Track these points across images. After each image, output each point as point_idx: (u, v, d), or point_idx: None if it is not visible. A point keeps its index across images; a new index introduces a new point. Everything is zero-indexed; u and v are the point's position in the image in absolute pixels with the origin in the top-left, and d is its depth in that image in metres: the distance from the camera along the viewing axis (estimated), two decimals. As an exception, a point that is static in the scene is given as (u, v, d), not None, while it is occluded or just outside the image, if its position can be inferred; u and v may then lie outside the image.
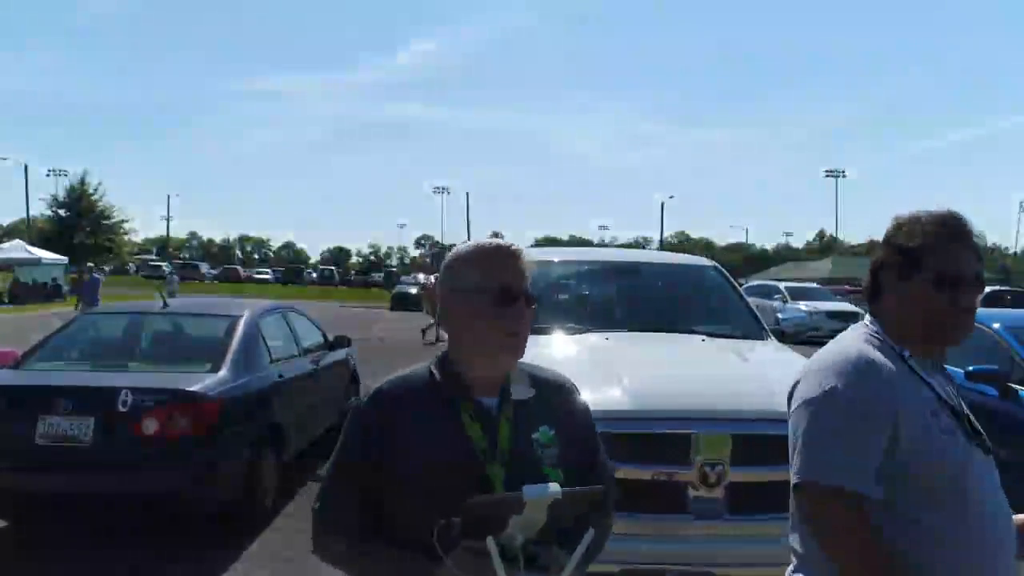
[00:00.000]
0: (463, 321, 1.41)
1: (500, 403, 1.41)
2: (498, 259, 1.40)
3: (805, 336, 18.86)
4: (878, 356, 1.44)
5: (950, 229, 1.46)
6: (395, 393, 1.42)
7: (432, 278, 16.71)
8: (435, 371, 1.44)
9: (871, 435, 1.34)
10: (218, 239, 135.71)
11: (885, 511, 1.34)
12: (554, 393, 1.50)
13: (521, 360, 1.47)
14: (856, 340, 1.49)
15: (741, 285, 8.69)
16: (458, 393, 1.39)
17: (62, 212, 45.38)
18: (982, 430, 1.48)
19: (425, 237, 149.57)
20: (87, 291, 17.54)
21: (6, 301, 28.06)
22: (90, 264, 19.66)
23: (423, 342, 15.67)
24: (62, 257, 34.52)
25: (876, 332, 1.50)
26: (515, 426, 1.39)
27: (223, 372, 4.73)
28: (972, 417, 1.49)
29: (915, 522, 1.36)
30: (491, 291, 1.36)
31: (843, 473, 1.32)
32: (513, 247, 1.43)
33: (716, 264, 5.33)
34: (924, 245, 1.46)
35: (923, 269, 1.45)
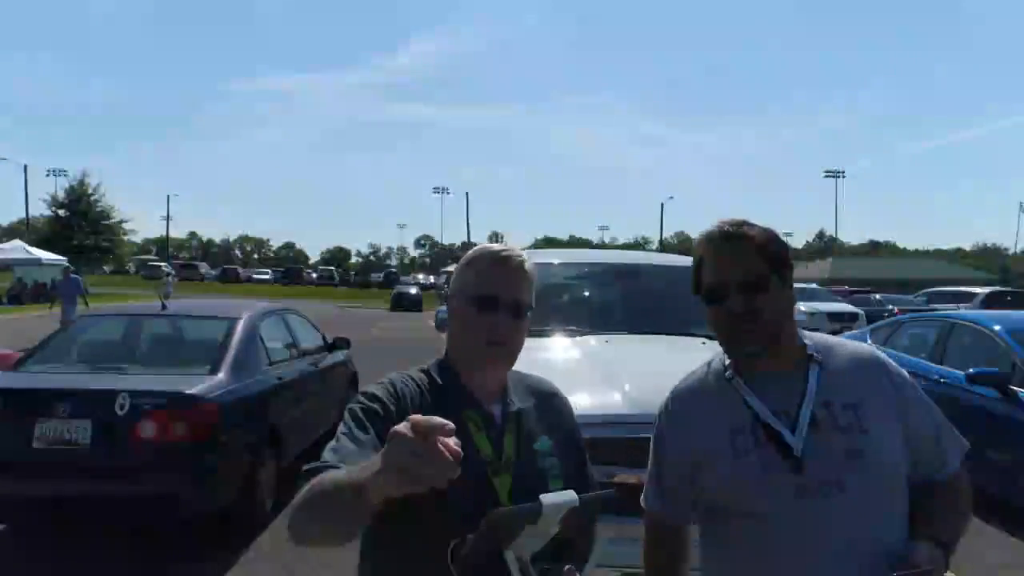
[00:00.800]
0: (453, 325, 1.43)
1: (503, 412, 1.38)
2: (487, 265, 1.38)
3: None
4: (690, 387, 1.52)
5: (711, 242, 1.44)
6: (402, 391, 1.35)
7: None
8: (435, 376, 1.41)
9: (661, 466, 1.52)
10: (218, 239, 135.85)
11: (703, 539, 1.49)
12: (548, 402, 1.50)
13: (513, 367, 1.46)
14: (693, 370, 1.56)
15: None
16: (463, 400, 1.36)
17: (61, 212, 45.33)
18: (827, 450, 1.32)
19: (425, 237, 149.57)
20: (64, 292, 16.62)
21: (5, 302, 28.03)
22: (67, 264, 18.71)
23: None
24: (61, 257, 34.47)
25: (720, 357, 1.52)
26: (518, 436, 1.37)
27: (221, 375, 4.72)
28: (795, 436, 1.35)
29: (720, 553, 1.43)
30: (475, 297, 1.36)
31: (646, 498, 1.56)
32: (505, 252, 1.40)
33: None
34: (697, 264, 1.48)
35: (701, 287, 1.46)
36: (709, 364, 1.54)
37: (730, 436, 1.39)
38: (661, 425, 1.54)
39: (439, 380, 1.40)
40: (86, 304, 16.29)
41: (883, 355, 1.48)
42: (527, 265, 1.41)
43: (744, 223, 1.45)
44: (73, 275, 17.33)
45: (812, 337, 1.49)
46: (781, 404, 1.38)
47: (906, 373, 1.48)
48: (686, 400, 1.51)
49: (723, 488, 1.39)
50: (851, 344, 1.51)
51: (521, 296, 1.39)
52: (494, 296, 1.36)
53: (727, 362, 1.48)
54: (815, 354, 1.43)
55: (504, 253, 1.40)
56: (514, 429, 1.37)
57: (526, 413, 1.42)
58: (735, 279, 1.38)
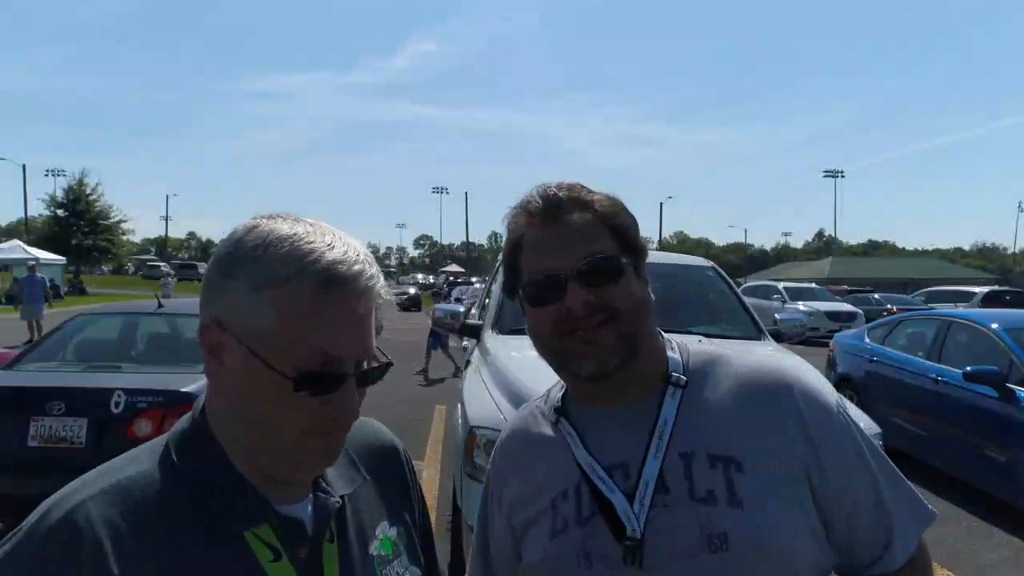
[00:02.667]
0: (235, 393, 0.79)
1: (318, 511, 0.83)
2: (313, 296, 0.75)
3: (803, 336, 18.86)
4: (525, 421, 1.12)
5: (532, 215, 1.01)
6: (111, 523, 0.71)
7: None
8: (183, 470, 0.78)
9: (486, 538, 1.13)
10: (217, 239, 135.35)
11: None
12: (385, 466, 0.99)
13: None
14: (543, 393, 1.15)
15: (739, 285, 8.68)
16: (246, 511, 0.78)
17: (60, 212, 45.27)
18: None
19: (424, 237, 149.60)
20: (28, 292, 15.56)
21: (3, 302, 27.99)
22: (31, 263, 17.89)
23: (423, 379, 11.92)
24: (60, 257, 34.46)
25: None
26: (343, 547, 0.85)
27: (218, 373, 4.69)
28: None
29: None
30: (297, 370, 0.75)
31: None
32: (352, 267, 0.77)
33: (714, 265, 5.31)
34: (511, 249, 1.04)
35: (518, 282, 1.03)
36: (548, 392, 1.13)
37: (551, 503, 0.99)
38: (489, 476, 1.13)
39: (191, 479, 0.78)
40: (49, 305, 15.85)
41: (803, 373, 1.00)
42: (378, 286, 0.79)
43: (577, 185, 1.02)
44: (38, 275, 16.12)
45: (688, 348, 1.07)
46: (621, 454, 0.97)
47: (841, 401, 1.02)
48: (517, 440, 1.11)
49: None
50: (752, 359, 1.03)
51: (372, 348, 0.81)
52: (337, 366, 0.76)
53: (559, 393, 1.09)
54: (676, 375, 1.00)
55: (342, 271, 0.76)
56: (338, 536, 0.85)
57: (354, 499, 0.89)
58: (571, 264, 0.96)
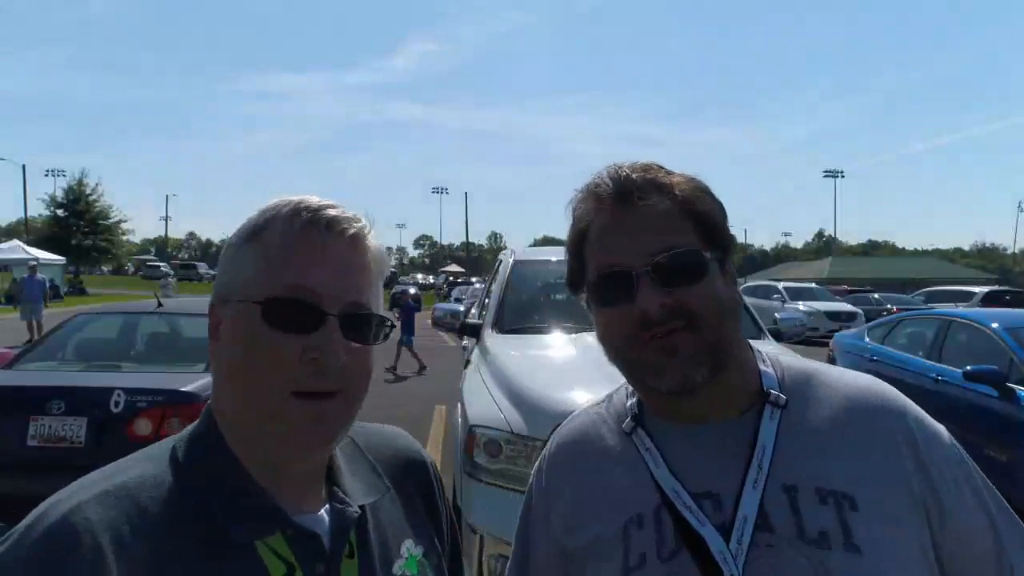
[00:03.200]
0: (226, 361, 0.76)
1: (334, 523, 0.77)
2: (294, 235, 0.75)
3: (803, 336, 18.87)
4: (582, 431, 0.98)
5: (602, 200, 0.88)
6: (111, 526, 0.67)
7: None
8: (192, 472, 0.74)
9: (527, 559, 0.99)
10: (216, 239, 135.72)
11: None
12: (408, 476, 0.91)
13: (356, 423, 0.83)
14: (596, 401, 1.03)
15: (739, 285, 8.66)
16: (254, 518, 0.72)
17: (60, 212, 45.22)
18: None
19: (424, 237, 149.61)
20: (28, 292, 15.50)
21: (3, 302, 27.98)
22: (32, 263, 17.82)
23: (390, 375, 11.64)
24: (60, 257, 34.44)
25: (627, 386, 0.97)
26: (364, 563, 0.78)
27: (217, 373, 4.69)
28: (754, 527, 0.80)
29: None
30: (271, 300, 0.73)
31: None
32: (329, 212, 0.76)
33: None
34: (577, 238, 0.91)
35: (584, 276, 0.91)
36: (611, 397, 1.01)
37: (623, 528, 0.86)
38: (532, 489, 1.01)
39: (199, 481, 0.73)
40: (46, 305, 15.80)
41: (905, 398, 0.88)
42: (372, 242, 0.79)
43: (654, 166, 0.90)
44: (38, 276, 16.13)
45: (780, 362, 0.93)
46: (712, 481, 0.84)
47: (939, 428, 0.87)
48: (570, 453, 0.98)
49: None
50: (849, 376, 0.91)
51: (366, 300, 0.77)
52: (310, 296, 0.73)
53: (630, 400, 0.96)
54: (774, 392, 0.87)
55: (326, 212, 0.76)
56: (358, 551, 0.78)
57: (376, 511, 0.83)
58: (644, 260, 0.84)
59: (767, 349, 0.97)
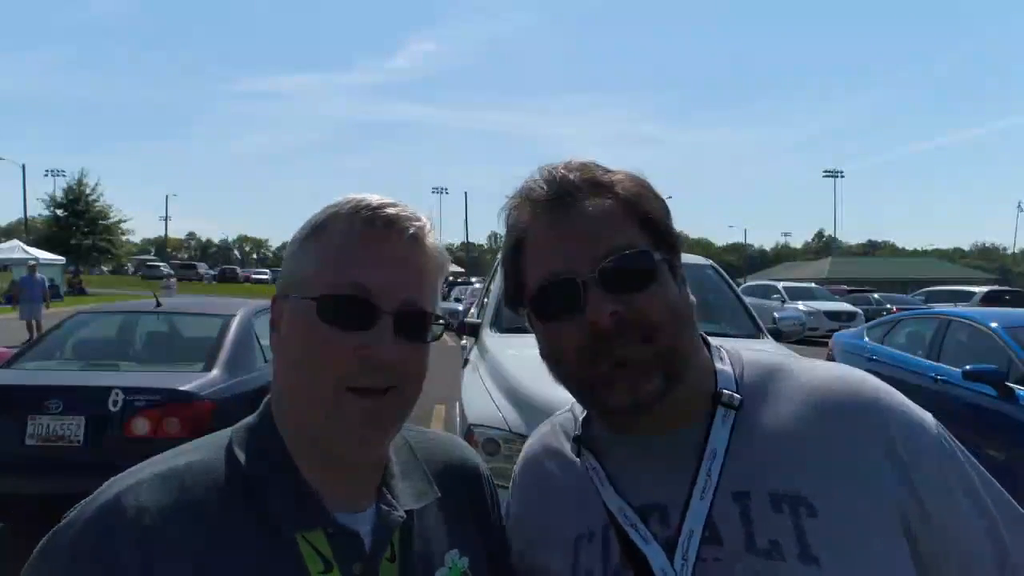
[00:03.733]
0: (284, 356, 0.79)
1: (378, 524, 0.78)
2: (355, 236, 0.76)
3: (802, 335, 18.88)
4: (544, 446, 0.95)
5: (537, 204, 0.82)
6: (160, 508, 0.70)
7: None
8: (244, 461, 0.76)
9: None
10: (216, 239, 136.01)
11: None
12: (461, 485, 0.91)
13: (408, 426, 0.87)
14: (549, 420, 1.00)
15: (739, 285, 8.68)
16: (298, 512, 0.74)
17: (60, 212, 45.22)
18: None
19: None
20: (27, 292, 15.40)
21: (2, 302, 27.98)
22: (31, 263, 17.70)
23: None
24: (59, 257, 34.43)
25: None
26: (405, 568, 0.79)
27: (216, 372, 4.69)
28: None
29: None
30: (327, 298, 0.74)
31: None
32: (390, 210, 0.77)
33: (712, 263, 5.32)
34: (512, 247, 0.85)
35: (523, 288, 0.84)
36: (574, 405, 0.95)
37: (574, 546, 0.83)
38: (508, 502, 0.97)
39: (249, 470, 0.75)
40: (47, 306, 15.75)
41: (880, 386, 0.80)
42: (430, 241, 0.79)
43: (591, 164, 0.83)
44: (38, 275, 16.01)
45: (740, 358, 0.87)
46: (658, 493, 0.79)
47: (923, 418, 0.78)
48: (531, 467, 0.95)
49: None
50: (820, 368, 0.84)
51: (422, 299, 0.77)
52: (365, 294, 0.74)
53: (581, 415, 0.92)
54: (727, 393, 0.81)
55: (386, 211, 0.77)
56: (400, 555, 0.79)
57: (423, 517, 0.83)
58: (590, 265, 0.76)
59: (730, 344, 0.91)
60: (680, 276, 0.83)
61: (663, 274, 0.79)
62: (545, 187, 0.81)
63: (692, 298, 0.83)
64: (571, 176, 0.80)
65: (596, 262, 0.76)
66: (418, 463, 0.87)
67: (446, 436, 0.96)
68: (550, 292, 0.79)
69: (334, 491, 0.77)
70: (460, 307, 5.70)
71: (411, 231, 0.77)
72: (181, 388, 4.30)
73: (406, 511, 0.80)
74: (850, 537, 0.70)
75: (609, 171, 0.83)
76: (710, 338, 0.90)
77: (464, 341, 5.87)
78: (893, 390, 0.80)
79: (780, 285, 23.53)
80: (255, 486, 0.74)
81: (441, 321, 0.80)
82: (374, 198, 0.78)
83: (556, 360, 0.82)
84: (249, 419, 0.82)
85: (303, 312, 0.75)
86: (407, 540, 0.80)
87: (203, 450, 0.78)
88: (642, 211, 0.80)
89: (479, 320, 4.83)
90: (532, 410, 3.06)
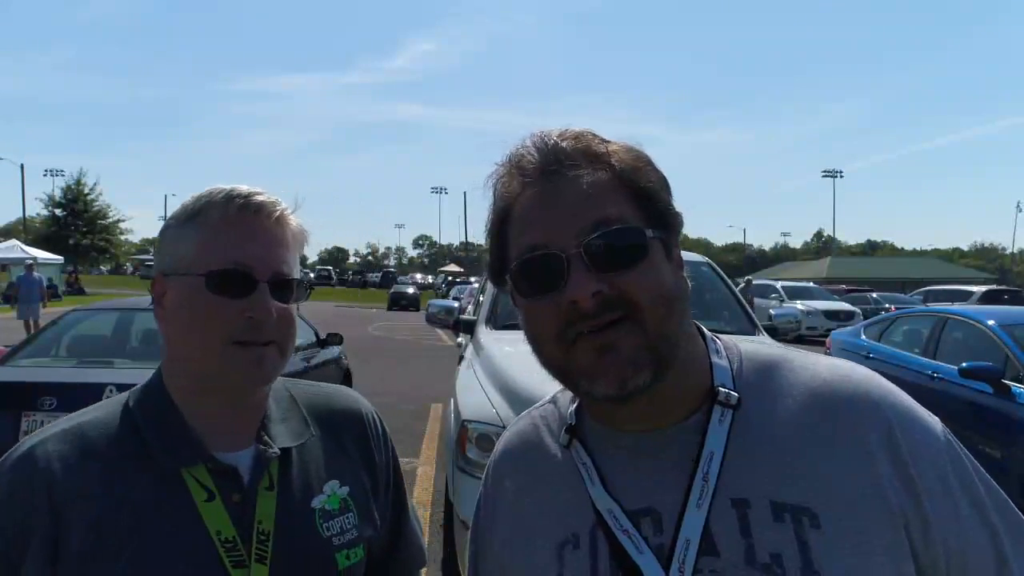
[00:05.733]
0: (172, 323, 0.91)
1: (255, 460, 0.91)
2: (228, 219, 0.89)
3: (798, 332, 18.88)
4: (524, 438, 0.90)
5: (526, 173, 0.77)
6: (64, 457, 0.85)
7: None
8: (134, 415, 0.90)
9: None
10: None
11: None
12: (342, 426, 1.03)
13: (287, 378, 1.02)
14: (542, 403, 0.94)
15: (737, 285, 8.69)
16: (182, 449, 0.88)
17: (58, 212, 45.18)
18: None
19: (423, 237, 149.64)
20: (25, 291, 15.40)
21: (0, 302, 27.95)
22: (29, 262, 17.61)
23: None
24: (58, 257, 34.39)
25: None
26: (283, 496, 0.91)
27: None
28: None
29: None
30: (213, 273, 0.87)
31: None
32: (256, 198, 0.90)
33: (708, 260, 5.32)
34: (498, 219, 0.80)
35: (506, 262, 0.79)
36: (556, 398, 0.91)
37: (559, 549, 0.78)
38: (480, 496, 0.93)
39: (139, 420, 0.89)
40: (45, 305, 15.71)
41: (886, 387, 0.75)
42: (292, 221, 0.93)
43: (588, 133, 0.78)
44: (35, 274, 16.00)
45: (738, 350, 0.82)
46: (652, 497, 0.74)
47: (929, 421, 0.74)
48: (511, 461, 0.90)
49: None
50: (822, 363, 0.79)
51: (289, 268, 0.91)
52: (245, 268, 0.87)
53: (572, 405, 0.86)
54: (723, 390, 0.76)
55: (255, 198, 0.90)
56: (276, 485, 0.91)
57: (302, 453, 0.96)
58: (574, 239, 0.72)
59: (727, 336, 0.86)
60: (676, 258, 0.78)
61: (655, 253, 0.73)
62: (536, 155, 0.76)
63: (688, 283, 0.78)
64: (564, 144, 0.75)
65: (582, 236, 0.71)
66: (298, 409, 1.00)
67: (333, 388, 1.09)
68: (532, 267, 0.73)
69: (216, 433, 0.90)
70: (455, 304, 5.69)
71: (276, 214, 0.91)
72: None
73: (283, 448, 0.93)
74: (854, 551, 0.67)
75: (606, 141, 0.77)
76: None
77: (460, 339, 5.87)
78: (899, 391, 0.76)
79: (779, 285, 23.56)
80: (145, 434, 0.88)
81: (306, 286, 0.97)
82: (243, 187, 0.91)
83: (536, 341, 0.77)
84: (144, 382, 0.95)
85: (191, 287, 0.88)
86: (286, 473, 0.93)
87: (105, 407, 0.93)
88: (637, 185, 0.74)
89: (474, 317, 4.83)
90: (526, 406, 3.05)
